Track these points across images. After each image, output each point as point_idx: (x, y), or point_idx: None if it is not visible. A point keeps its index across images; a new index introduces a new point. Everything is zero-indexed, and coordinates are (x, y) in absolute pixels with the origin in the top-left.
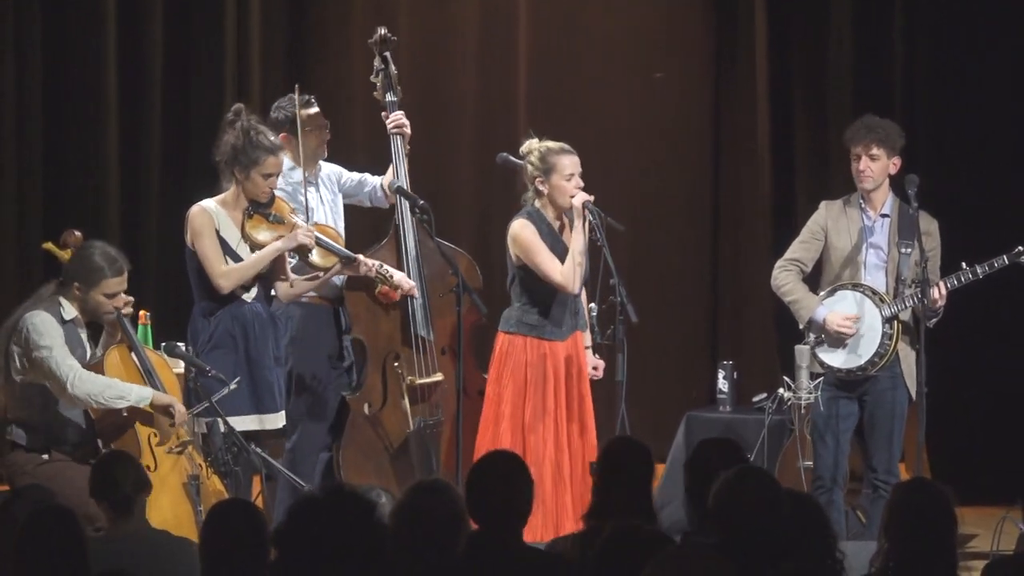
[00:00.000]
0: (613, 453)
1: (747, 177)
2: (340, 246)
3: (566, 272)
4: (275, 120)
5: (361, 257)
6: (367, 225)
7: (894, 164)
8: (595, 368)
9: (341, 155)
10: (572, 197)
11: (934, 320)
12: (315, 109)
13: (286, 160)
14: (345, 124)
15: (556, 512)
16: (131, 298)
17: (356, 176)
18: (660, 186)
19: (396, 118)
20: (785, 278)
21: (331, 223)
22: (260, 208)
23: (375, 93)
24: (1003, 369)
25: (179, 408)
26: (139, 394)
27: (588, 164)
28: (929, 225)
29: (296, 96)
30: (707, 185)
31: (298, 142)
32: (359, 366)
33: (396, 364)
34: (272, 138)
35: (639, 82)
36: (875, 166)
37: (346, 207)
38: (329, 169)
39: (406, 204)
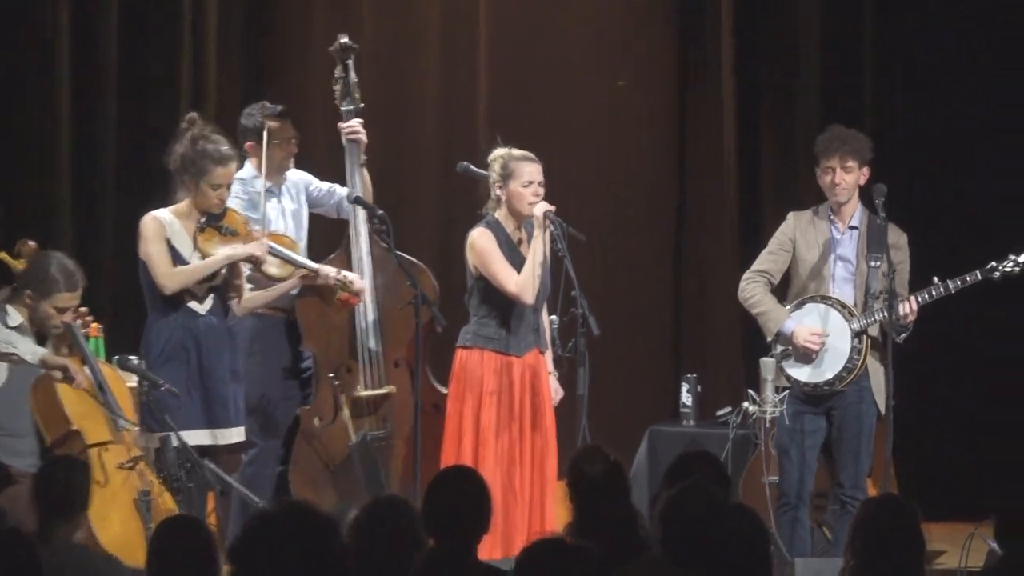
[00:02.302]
0: (573, 465)
1: (713, 186)
2: (296, 255)
3: (521, 282)
4: (243, 127)
5: (320, 266)
6: (320, 235)
7: (863, 175)
8: (555, 393)
9: (301, 164)
10: (531, 205)
11: (904, 335)
12: (285, 121)
13: (250, 168)
14: (304, 132)
15: (506, 530)
16: (85, 309)
17: (326, 186)
18: (623, 195)
19: (351, 126)
20: (753, 290)
21: (291, 233)
22: (213, 221)
23: (335, 101)
24: (972, 384)
25: (74, 369)
26: (30, 349)
27: (550, 173)
28: (898, 238)
29: (267, 106)
30: (672, 193)
31: (263, 152)
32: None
33: (332, 375)
34: (224, 148)
35: (602, 90)
36: (849, 178)
37: (311, 217)
38: (297, 177)
39: (360, 214)
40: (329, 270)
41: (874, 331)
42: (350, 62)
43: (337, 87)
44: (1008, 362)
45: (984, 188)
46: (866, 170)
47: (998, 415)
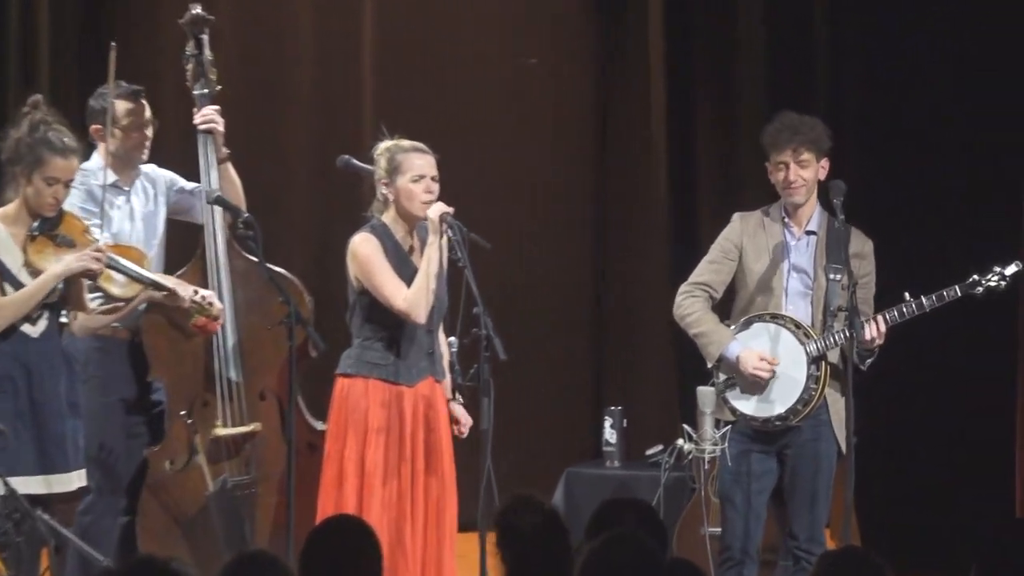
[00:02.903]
0: (503, 517)
1: (639, 184)
2: (144, 270)
3: (412, 297)
4: (92, 109)
5: (175, 284)
6: (171, 240)
7: (823, 168)
8: (457, 423)
9: (150, 158)
10: (424, 204)
11: (869, 360)
12: (137, 103)
13: (97, 159)
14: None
15: None
16: None
17: (191, 186)
18: (534, 195)
19: (205, 114)
20: (691, 306)
21: (142, 241)
22: (46, 228)
23: (187, 83)
24: (946, 418)
25: None
26: None
27: (447, 168)
28: (863, 246)
29: (122, 85)
30: (591, 194)
31: (109, 137)
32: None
33: (184, 412)
34: (66, 139)
35: (509, 70)
36: (806, 174)
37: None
38: (155, 175)
39: (218, 218)
40: (186, 290)
41: (834, 356)
42: (204, 37)
43: (189, 67)
44: (987, 386)
45: (961, 188)
46: (825, 162)
47: (974, 446)
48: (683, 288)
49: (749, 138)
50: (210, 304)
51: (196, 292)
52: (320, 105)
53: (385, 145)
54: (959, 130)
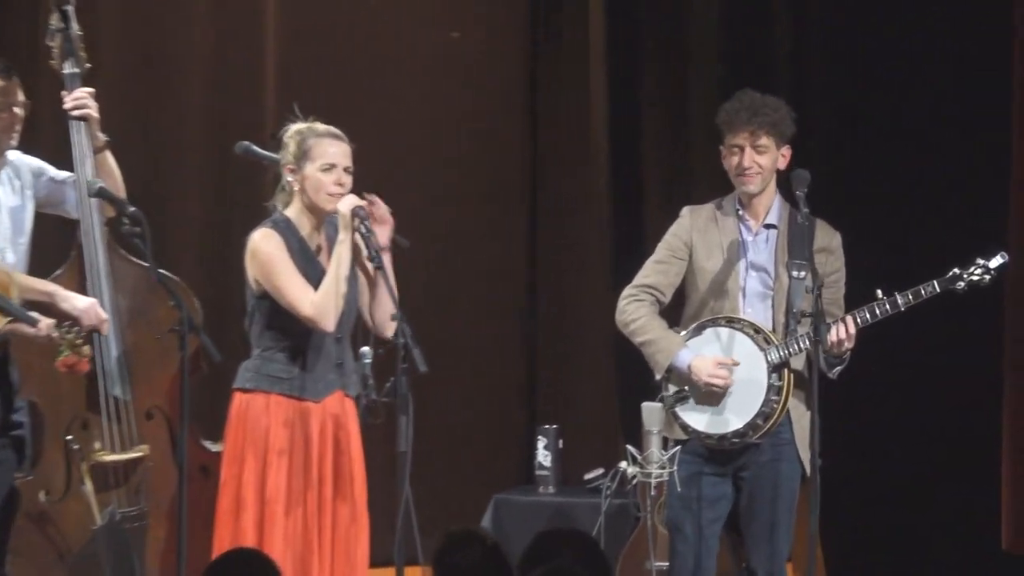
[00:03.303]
0: (443, 556)
1: (577, 174)
2: (12, 301)
3: (319, 302)
4: None
5: (51, 292)
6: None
7: (783, 156)
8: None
9: (22, 146)
10: (333, 196)
11: (839, 368)
12: (11, 81)
13: None
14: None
15: None
16: None
17: (63, 175)
18: (460, 186)
19: (77, 97)
20: (635, 311)
21: (8, 239)
22: None
23: (53, 62)
24: (921, 435)
25: None
26: None
27: (363, 158)
28: (830, 239)
29: None
30: (522, 184)
31: None
32: (35, 438)
33: (70, 438)
34: None
35: (429, 46)
36: (763, 160)
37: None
38: (20, 163)
39: (95, 213)
40: (70, 302)
41: (798, 363)
42: (70, 8)
43: (55, 43)
44: (969, 386)
45: (937, 175)
46: (786, 150)
47: (955, 454)
48: (626, 292)
49: (701, 123)
50: (79, 342)
51: (67, 326)
52: (215, 84)
53: (297, 127)
54: (936, 113)
